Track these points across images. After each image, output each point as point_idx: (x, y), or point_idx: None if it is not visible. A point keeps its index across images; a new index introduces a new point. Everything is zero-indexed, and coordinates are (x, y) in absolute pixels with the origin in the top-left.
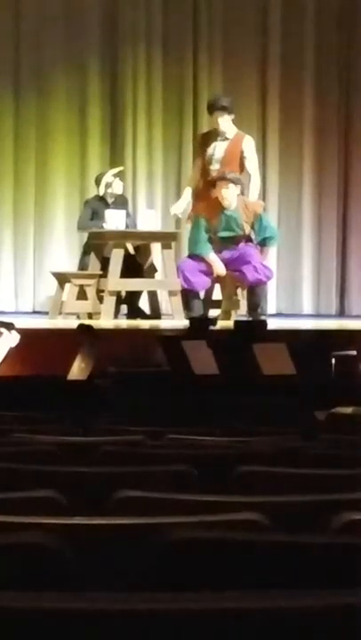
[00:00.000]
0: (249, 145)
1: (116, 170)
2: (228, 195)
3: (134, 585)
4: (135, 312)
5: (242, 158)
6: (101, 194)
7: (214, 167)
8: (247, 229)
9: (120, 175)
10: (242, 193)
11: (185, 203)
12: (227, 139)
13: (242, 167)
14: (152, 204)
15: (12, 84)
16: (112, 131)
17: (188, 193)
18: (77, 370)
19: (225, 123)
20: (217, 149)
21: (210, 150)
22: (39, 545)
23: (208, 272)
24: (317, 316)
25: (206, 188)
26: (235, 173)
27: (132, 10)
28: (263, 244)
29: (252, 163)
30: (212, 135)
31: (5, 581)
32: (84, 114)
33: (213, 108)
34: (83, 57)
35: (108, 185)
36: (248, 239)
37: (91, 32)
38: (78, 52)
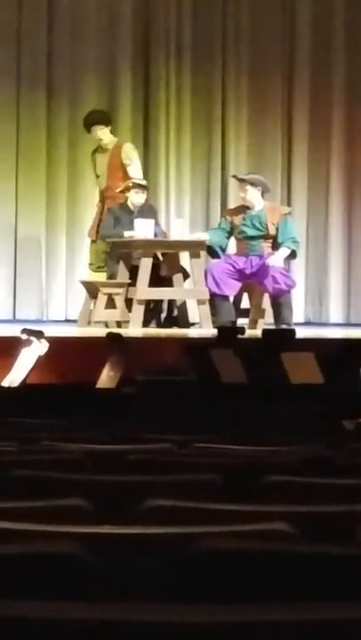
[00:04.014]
0: (128, 152)
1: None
2: (248, 196)
3: (162, 595)
4: (164, 320)
5: (123, 166)
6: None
7: (101, 180)
8: (272, 229)
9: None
10: (263, 194)
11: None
12: (107, 150)
13: (126, 175)
14: (180, 213)
15: (45, 95)
16: (144, 140)
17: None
18: (106, 378)
19: (103, 135)
20: (99, 163)
21: (96, 165)
22: (67, 554)
23: (237, 277)
24: (347, 324)
25: (98, 202)
26: (254, 175)
27: (163, 19)
28: (281, 244)
29: (134, 169)
30: (97, 151)
31: (33, 590)
32: (116, 123)
33: (89, 123)
34: (114, 67)
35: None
36: (273, 241)
37: (122, 42)
38: (110, 63)
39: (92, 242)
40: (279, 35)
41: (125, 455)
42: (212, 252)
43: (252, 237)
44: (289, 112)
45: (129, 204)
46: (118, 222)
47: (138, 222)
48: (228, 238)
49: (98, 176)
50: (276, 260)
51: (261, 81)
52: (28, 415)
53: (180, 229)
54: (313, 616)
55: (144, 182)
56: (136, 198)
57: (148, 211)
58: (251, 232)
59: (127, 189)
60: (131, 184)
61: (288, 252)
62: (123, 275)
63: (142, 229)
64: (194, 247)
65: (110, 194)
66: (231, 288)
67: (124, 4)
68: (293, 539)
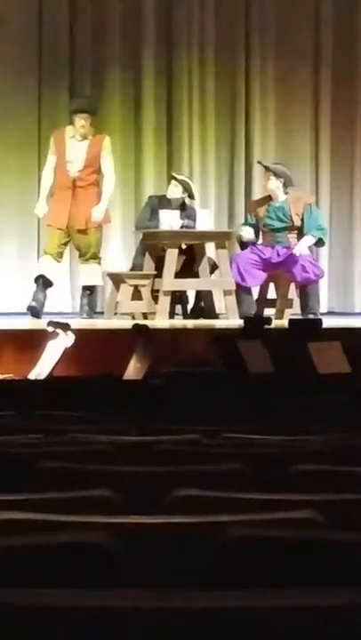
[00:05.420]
0: (109, 146)
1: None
2: (269, 185)
3: (190, 583)
4: (190, 312)
5: (100, 159)
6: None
7: (74, 168)
8: (297, 220)
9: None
10: (285, 186)
11: (45, 203)
12: (86, 139)
13: (100, 168)
14: (205, 204)
15: (68, 87)
16: (167, 131)
17: (45, 192)
18: (133, 370)
19: (87, 124)
20: (77, 150)
21: (67, 150)
22: (95, 544)
23: (263, 267)
24: None
25: (61, 188)
26: (279, 166)
27: (185, 7)
28: (306, 234)
29: (109, 163)
30: (67, 134)
31: (62, 580)
32: (139, 114)
33: (82, 109)
34: (136, 58)
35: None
36: (299, 232)
37: (144, 32)
38: (132, 53)
39: (59, 229)
40: (304, 20)
41: (153, 446)
42: (243, 245)
43: (278, 229)
44: (316, 99)
45: (169, 197)
46: (155, 214)
47: (163, 213)
48: (256, 233)
49: (67, 163)
50: (301, 248)
51: (286, 68)
52: (54, 407)
53: (205, 220)
54: (340, 602)
55: (181, 177)
56: (170, 191)
57: (189, 212)
58: (276, 224)
59: (170, 182)
60: (172, 176)
61: (312, 240)
62: (149, 266)
63: (167, 220)
64: (220, 238)
65: (82, 184)
66: (255, 279)
67: None
68: (321, 527)
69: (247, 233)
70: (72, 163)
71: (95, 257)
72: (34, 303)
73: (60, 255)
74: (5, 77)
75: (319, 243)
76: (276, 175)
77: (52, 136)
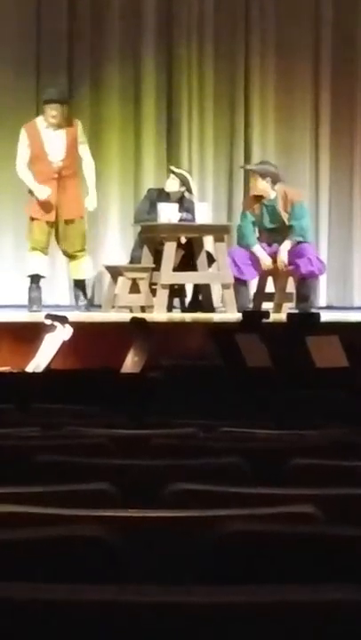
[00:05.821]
0: (82, 130)
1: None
2: (258, 187)
3: (188, 578)
4: (188, 305)
5: (77, 144)
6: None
7: (57, 158)
8: (286, 218)
9: (178, 175)
10: (274, 182)
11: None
12: (61, 127)
13: (78, 154)
14: (203, 197)
15: (67, 79)
16: (167, 125)
17: (32, 179)
18: (130, 363)
19: (59, 113)
20: (54, 139)
21: (45, 141)
22: (92, 537)
23: (258, 263)
24: None
25: (44, 180)
26: (263, 165)
27: (185, 9)
28: (287, 237)
29: (86, 147)
30: (40, 125)
31: (59, 574)
32: (139, 108)
33: (51, 100)
34: (136, 50)
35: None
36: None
37: (144, 25)
38: (132, 46)
39: (47, 222)
40: (304, 15)
41: (150, 439)
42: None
43: (272, 229)
44: (315, 94)
45: (167, 190)
46: (154, 207)
47: (161, 206)
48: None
49: (47, 154)
50: (282, 258)
51: (286, 63)
52: (52, 400)
53: (204, 213)
54: (339, 598)
55: (179, 170)
56: (168, 184)
57: (188, 205)
58: (269, 225)
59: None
60: (170, 169)
61: (290, 244)
62: (147, 259)
63: (166, 213)
64: (218, 231)
65: (68, 172)
66: (252, 272)
67: None
68: (320, 521)
69: (265, 260)
70: (53, 154)
71: (82, 249)
72: (35, 307)
73: (47, 247)
74: (3, 74)
75: (301, 242)
76: (262, 175)
77: (22, 130)
